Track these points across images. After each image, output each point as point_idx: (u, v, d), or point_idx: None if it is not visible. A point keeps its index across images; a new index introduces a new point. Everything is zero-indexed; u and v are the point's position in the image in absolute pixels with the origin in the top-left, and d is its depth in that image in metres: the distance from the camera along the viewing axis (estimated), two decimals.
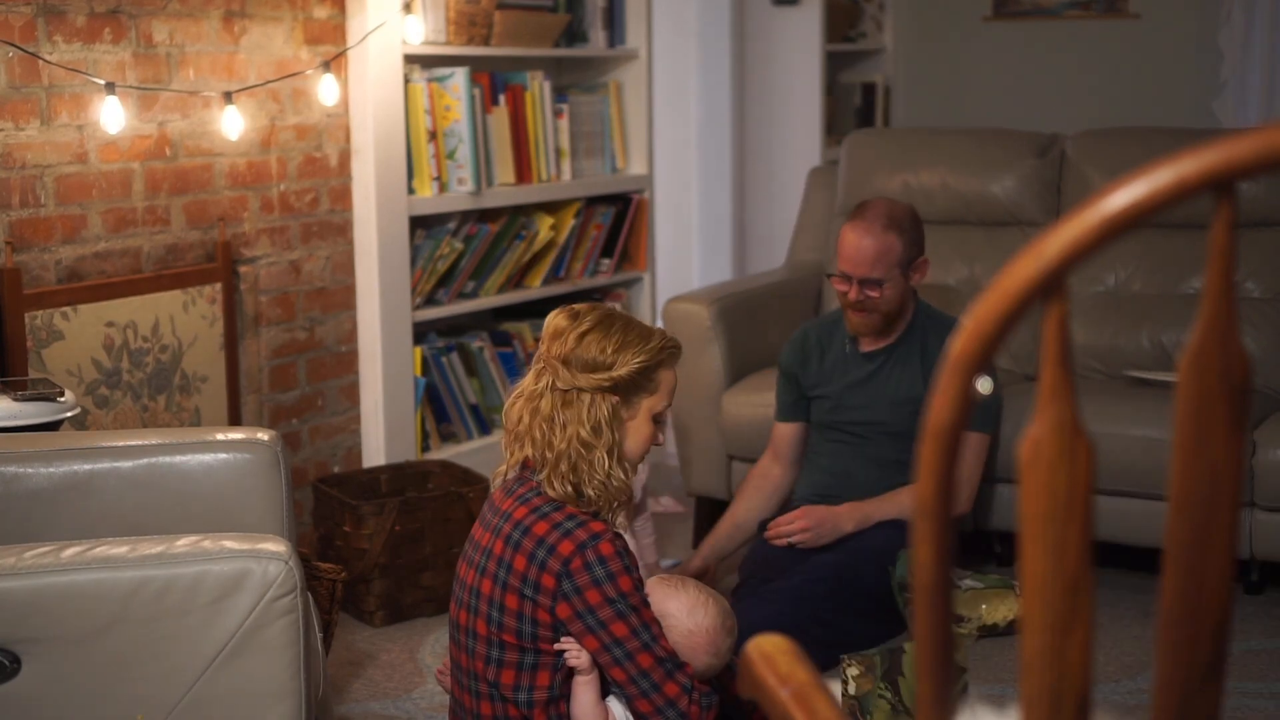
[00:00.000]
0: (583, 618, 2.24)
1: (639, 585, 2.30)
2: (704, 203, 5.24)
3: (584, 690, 2.30)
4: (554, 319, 2.39)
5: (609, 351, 2.33)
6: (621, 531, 2.37)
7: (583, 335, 2.34)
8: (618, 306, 4.68)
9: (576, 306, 2.41)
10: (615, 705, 2.32)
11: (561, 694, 2.30)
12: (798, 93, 5.59)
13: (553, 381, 2.33)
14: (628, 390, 2.35)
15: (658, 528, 4.08)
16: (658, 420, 2.42)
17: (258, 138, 3.61)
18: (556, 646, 2.28)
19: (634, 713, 2.28)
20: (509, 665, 2.28)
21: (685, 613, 2.36)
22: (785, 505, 3.49)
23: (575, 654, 2.28)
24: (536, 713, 2.28)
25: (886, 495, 3.31)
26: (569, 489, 2.31)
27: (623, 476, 2.34)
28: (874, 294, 3.31)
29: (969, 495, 3.40)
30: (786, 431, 3.51)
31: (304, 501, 3.72)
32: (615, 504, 2.36)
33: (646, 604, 2.30)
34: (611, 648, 2.24)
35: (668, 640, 2.30)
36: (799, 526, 3.22)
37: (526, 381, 2.38)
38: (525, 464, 2.37)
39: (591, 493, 2.31)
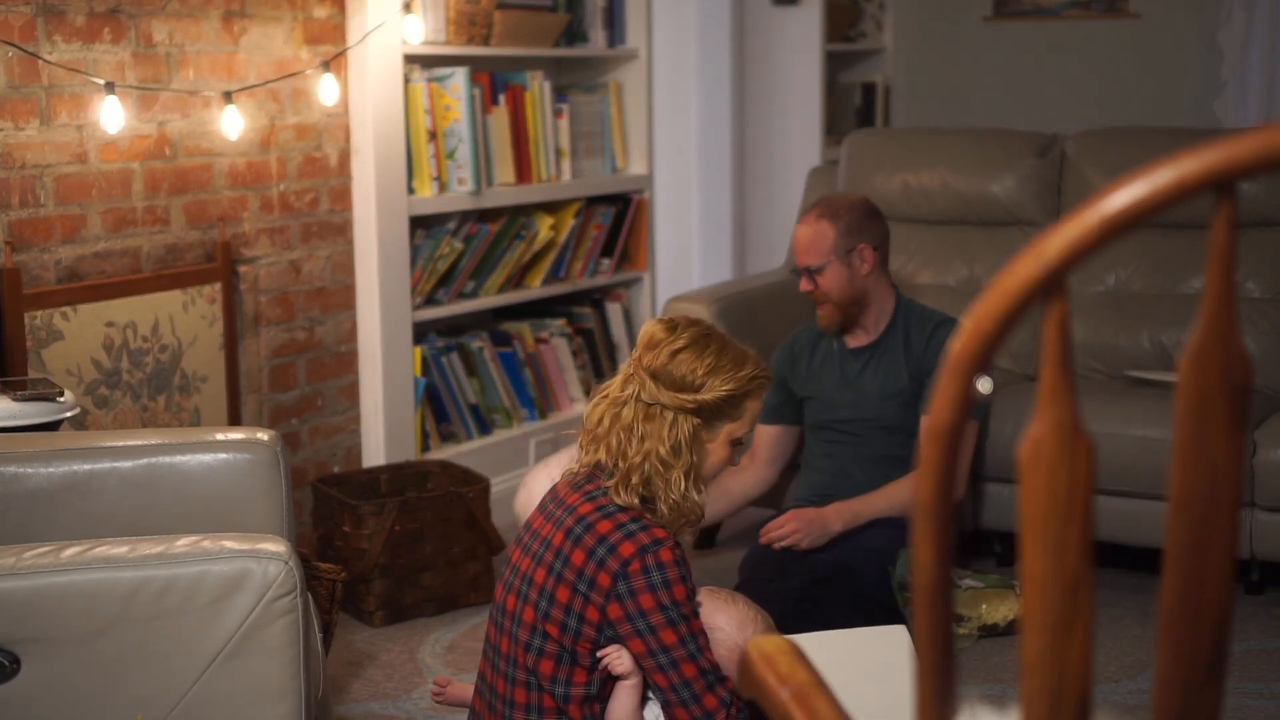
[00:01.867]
0: (633, 620, 2.24)
1: (692, 595, 2.29)
2: (704, 203, 5.24)
3: (626, 694, 2.30)
4: (651, 327, 2.36)
5: (699, 373, 2.30)
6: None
7: (676, 352, 2.31)
8: (618, 306, 4.69)
9: (676, 318, 2.38)
10: (650, 716, 2.32)
11: (599, 694, 2.30)
12: (798, 93, 5.59)
13: (638, 392, 2.31)
14: (711, 415, 2.32)
15: None
16: (735, 444, 2.40)
17: (257, 138, 3.61)
18: (600, 654, 2.28)
19: (671, 718, 2.28)
20: (549, 656, 2.28)
21: (735, 627, 2.36)
22: (778, 505, 3.50)
23: (618, 659, 2.28)
24: (572, 708, 2.29)
25: (875, 492, 3.32)
26: (635, 500, 2.28)
27: (696, 499, 2.31)
28: (814, 283, 3.39)
29: (963, 484, 3.44)
30: (766, 434, 3.52)
31: (304, 501, 3.72)
32: (684, 522, 2.33)
33: (696, 615, 2.30)
34: (657, 654, 2.24)
35: (713, 653, 2.30)
36: (789, 529, 3.23)
37: (614, 384, 2.35)
38: (597, 465, 2.35)
39: (665, 509, 2.29)
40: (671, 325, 2.36)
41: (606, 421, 2.32)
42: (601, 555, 2.26)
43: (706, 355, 2.32)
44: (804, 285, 3.42)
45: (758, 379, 2.36)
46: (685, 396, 2.30)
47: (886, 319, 3.43)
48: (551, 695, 2.29)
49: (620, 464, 2.30)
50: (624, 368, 2.38)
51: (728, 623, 2.36)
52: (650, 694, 2.33)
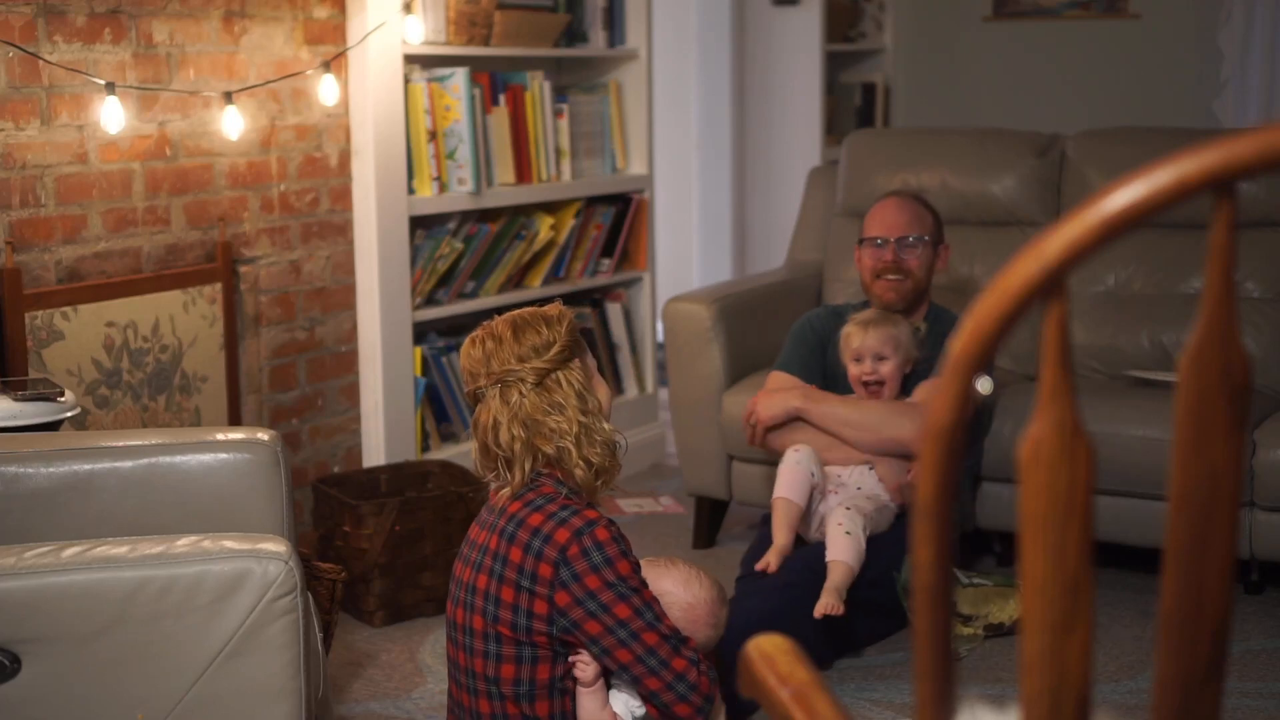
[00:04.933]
0: (583, 604, 2.25)
1: (637, 568, 2.32)
2: (704, 203, 5.24)
3: (589, 698, 2.32)
4: (471, 351, 2.39)
5: (543, 331, 2.37)
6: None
7: (515, 336, 2.37)
8: (555, 303, 4.71)
9: (474, 335, 2.42)
10: (619, 705, 2.33)
11: (561, 688, 2.31)
12: (798, 93, 5.59)
13: (520, 387, 2.35)
14: (576, 349, 2.40)
15: (658, 527, 4.09)
16: (600, 372, 2.50)
17: (258, 138, 3.61)
18: (571, 658, 2.30)
19: (644, 691, 2.29)
20: (507, 660, 2.29)
21: (681, 587, 2.42)
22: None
23: (583, 665, 2.30)
24: (539, 705, 2.29)
25: (849, 398, 3.41)
26: (587, 470, 2.35)
27: (608, 432, 2.40)
28: (911, 256, 3.48)
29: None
30: (783, 380, 3.53)
31: (304, 501, 3.72)
32: (609, 467, 2.39)
33: (645, 585, 2.32)
34: (616, 630, 2.26)
35: (669, 618, 2.32)
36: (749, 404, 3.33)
37: (495, 410, 2.36)
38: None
39: (581, 470, 2.34)
40: (483, 335, 2.40)
41: (521, 433, 2.34)
42: (538, 547, 2.28)
43: (527, 324, 2.39)
44: (887, 256, 3.49)
45: (564, 307, 2.46)
46: (555, 350, 2.37)
47: (920, 317, 3.55)
48: (514, 701, 2.30)
49: (565, 444, 2.34)
50: (480, 407, 2.39)
51: (674, 585, 2.42)
52: (615, 683, 2.34)
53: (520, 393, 2.35)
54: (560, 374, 2.36)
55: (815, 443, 3.34)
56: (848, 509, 3.16)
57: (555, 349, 2.37)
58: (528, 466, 2.35)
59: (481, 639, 2.31)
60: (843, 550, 3.07)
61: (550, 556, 2.26)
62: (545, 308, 2.45)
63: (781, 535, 3.14)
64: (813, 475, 3.23)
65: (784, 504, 3.19)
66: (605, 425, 2.40)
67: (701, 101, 5.47)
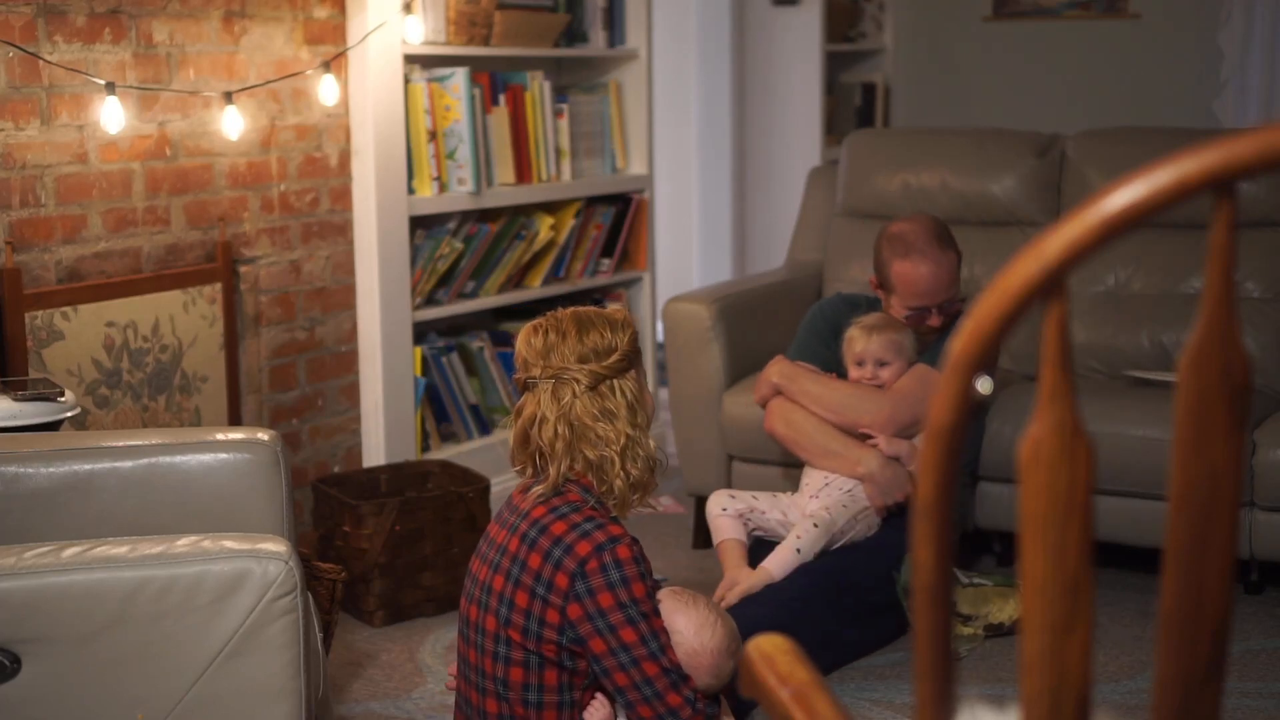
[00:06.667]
0: (593, 619, 2.25)
1: (651, 593, 2.31)
2: (704, 203, 5.24)
3: None
4: (532, 339, 2.38)
5: (606, 334, 2.37)
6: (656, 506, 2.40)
7: (579, 334, 2.36)
8: (619, 306, 4.71)
9: (537, 322, 2.41)
10: None
11: (571, 700, 2.31)
12: (798, 93, 5.59)
13: (575, 388, 2.34)
14: (634, 359, 2.40)
15: (658, 527, 4.09)
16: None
17: (258, 138, 3.61)
18: (585, 713, 2.30)
19: (634, 717, 2.29)
20: (516, 664, 2.29)
21: (693, 631, 2.38)
22: None
23: (593, 710, 2.30)
24: (547, 714, 2.29)
25: (828, 379, 3.42)
26: (625, 483, 2.34)
27: (652, 449, 2.39)
28: (950, 309, 3.44)
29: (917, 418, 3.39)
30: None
31: (304, 501, 3.72)
32: (647, 482, 2.39)
33: (657, 612, 2.31)
34: (618, 652, 2.25)
35: (675, 652, 2.31)
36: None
37: (544, 405, 2.35)
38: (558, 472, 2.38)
39: (619, 484, 2.33)
40: (547, 326, 2.39)
41: (566, 432, 2.33)
42: (558, 557, 2.26)
43: (591, 323, 2.38)
44: (937, 320, 3.43)
45: (628, 313, 2.46)
46: (615, 357, 2.36)
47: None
48: (523, 704, 2.29)
49: (606, 452, 2.33)
50: (528, 396, 2.38)
51: (686, 626, 2.38)
52: (617, 697, 2.33)
53: (573, 392, 2.33)
54: (616, 382, 2.36)
55: (810, 448, 3.36)
56: (816, 525, 3.18)
57: (615, 356, 2.36)
58: (564, 467, 2.34)
59: (493, 640, 2.31)
60: (777, 561, 3.13)
61: (569, 567, 2.25)
62: (611, 310, 2.44)
63: (731, 570, 3.19)
64: (725, 510, 3.28)
65: (724, 545, 3.25)
66: (650, 442, 2.39)
67: (701, 101, 5.47)
